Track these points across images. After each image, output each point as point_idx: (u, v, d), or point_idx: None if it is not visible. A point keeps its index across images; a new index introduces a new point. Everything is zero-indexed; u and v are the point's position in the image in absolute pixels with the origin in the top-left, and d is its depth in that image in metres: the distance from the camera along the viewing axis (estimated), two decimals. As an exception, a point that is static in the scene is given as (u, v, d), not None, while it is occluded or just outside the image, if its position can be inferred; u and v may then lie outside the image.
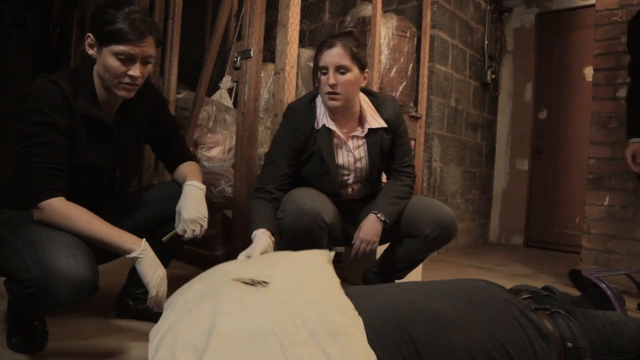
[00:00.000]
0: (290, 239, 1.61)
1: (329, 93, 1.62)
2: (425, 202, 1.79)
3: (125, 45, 1.30)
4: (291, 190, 1.68)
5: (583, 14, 3.83)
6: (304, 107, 1.72)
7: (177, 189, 1.56)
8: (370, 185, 1.85)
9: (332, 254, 1.20)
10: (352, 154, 1.74)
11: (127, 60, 1.32)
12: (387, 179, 1.87)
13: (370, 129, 1.72)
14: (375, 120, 1.73)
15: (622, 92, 2.49)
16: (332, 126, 1.68)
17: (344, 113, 1.70)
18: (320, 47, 1.64)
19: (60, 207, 1.28)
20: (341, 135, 1.70)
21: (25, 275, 1.17)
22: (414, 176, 1.83)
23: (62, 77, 1.34)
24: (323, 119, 1.68)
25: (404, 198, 1.76)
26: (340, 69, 1.60)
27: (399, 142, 1.80)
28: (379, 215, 1.69)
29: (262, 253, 1.43)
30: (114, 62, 1.32)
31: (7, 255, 1.24)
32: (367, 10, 3.04)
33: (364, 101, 1.75)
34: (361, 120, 1.74)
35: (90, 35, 1.34)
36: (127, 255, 1.30)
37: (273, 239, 1.54)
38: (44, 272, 1.15)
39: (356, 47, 1.62)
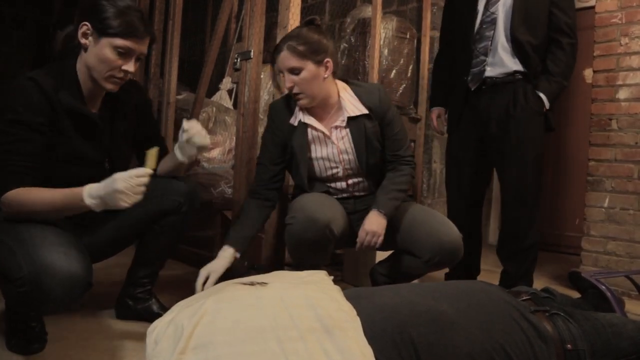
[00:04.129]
0: (295, 245, 1.61)
1: (292, 94, 1.64)
2: (426, 219, 1.69)
3: (129, 40, 1.31)
4: (300, 194, 1.70)
5: (583, 16, 3.82)
6: (282, 106, 1.75)
7: (174, 183, 1.57)
8: (373, 182, 1.79)
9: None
10: (335, 145, 1.71)
11: (126, 54, 1.33)
12: (386, 171, 1.79)
13: (349, 117, 1.69)
14: (355, 108, 1.70)
15: (623, 94, 2.49)
16: (309, 120, 1.68)
17: (321, 106, 1.70)
18: (273, 55, 1.67)
19: (13, 197, 1.24)
20: (322, 129, 1.70)
21: (17, 274, 1.16)
22: (412, 164, 1.78)
23: (42, 73, 1.33)
24: (300, 115, 1.69)
25: (402, 190, 1.73)
26: (294, 71, 1.60)
27: (390, 131, 1.74)
28: (380, 210, 1.65)
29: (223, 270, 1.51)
30: (111, 55, 1.32)
31: (0, 255, 1.23)
32: (367, 11, 3.04)
33: (344, 90, 1.73)
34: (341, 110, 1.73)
35: (88, 24, 1.32)
36: (87, 195, 1.22)
37: (238, 255, 1.58)
38: (37, 270, 1.15)
39: (303, 44, 1.59)
